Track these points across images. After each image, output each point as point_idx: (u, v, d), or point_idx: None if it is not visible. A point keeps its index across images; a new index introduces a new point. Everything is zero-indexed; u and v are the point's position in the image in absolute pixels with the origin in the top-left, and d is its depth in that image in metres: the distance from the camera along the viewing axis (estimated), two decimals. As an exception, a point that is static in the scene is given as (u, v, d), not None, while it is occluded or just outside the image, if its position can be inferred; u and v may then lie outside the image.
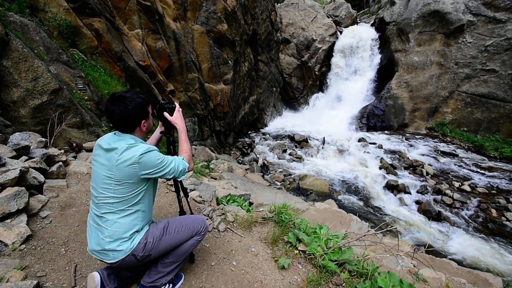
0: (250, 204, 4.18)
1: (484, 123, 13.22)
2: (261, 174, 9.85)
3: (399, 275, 4.44)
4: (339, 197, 8.98)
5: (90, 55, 7.39)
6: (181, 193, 2.43)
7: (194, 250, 2.30)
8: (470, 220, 8.20)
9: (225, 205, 3.13)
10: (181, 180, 2.33)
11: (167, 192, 3.16)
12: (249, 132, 14.14)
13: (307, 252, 2.25)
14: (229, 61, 11.70)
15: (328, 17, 18.08)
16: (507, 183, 9.85)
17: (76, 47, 7.07)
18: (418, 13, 14.14)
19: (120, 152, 1.58)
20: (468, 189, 9.40)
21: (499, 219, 8.10)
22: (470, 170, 10.83)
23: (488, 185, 9.74)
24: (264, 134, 13.91)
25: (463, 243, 7.28)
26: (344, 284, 2.01)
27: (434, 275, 4.70)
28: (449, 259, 6.74)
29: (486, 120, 13.15)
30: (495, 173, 10.52)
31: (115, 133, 1.73)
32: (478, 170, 10.84)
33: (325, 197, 8.71)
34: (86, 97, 5.93)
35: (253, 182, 7.56)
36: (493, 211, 8.41)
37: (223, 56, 11.48)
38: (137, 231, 1.68)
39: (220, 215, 2.76)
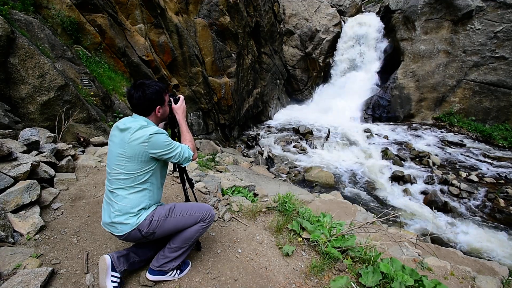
0: (255, 195, 4.24)
1: (492, 112, 12.98)
2: (266, 166, 9.91)
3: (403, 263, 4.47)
4: (344, 189, 9.00)
5: (94, 51, 7.45)
6: (187, 184, 2.49)
7: (200, 239, 2.37)
8: (477, 210, 8.16)
9: (230, 196, 3.19)
10: (186, 171, 2.39)
11: (173, 184, 3.23)
12: (253, 125, 14.16)
13: (310, 239, 2.30)
14: (232, 54, 11.65)
15: (332, 7, 17.76)
16: (515, 172, 9.73)
17: (80, 43, 7.13)
18: (424, 0, 13.80)
19: (133, 131, 1.74)
20: (476, 179, 9.33)
21: (507, 209, 8.04)
22: (477, 160, 10.71)
23: (496, 175, 9.64)
24: (268, 126, 13.92)
25: (470, 233, 7.27)
26: (347, 270, 2.05)
27: (439, 263, 4.73)
28: (456, 248, 6.76)
29: (495, 109, 12.90)
30: (503, 163, 10.39)
31: (132, 116, 1.88)
32: (486, 160, 10.71)
33: (330, 189, 8.74)
34: (92, 93, 6.01)
35: (258, 174, 7.62)
36: (501, 201, 8.34)
37: (226, 49, 11.44)
38: (144, 208, 1.81)
39: (225, 205, 2.82)
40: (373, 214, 7.31)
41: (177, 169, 2.35)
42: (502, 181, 9.26)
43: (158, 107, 1.86)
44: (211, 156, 8.51)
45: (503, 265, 5.84)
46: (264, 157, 10.61)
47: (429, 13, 13.86)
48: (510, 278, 4.59)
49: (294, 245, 2.34)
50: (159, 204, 1.96)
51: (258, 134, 12.74)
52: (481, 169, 9.99)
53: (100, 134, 5.19)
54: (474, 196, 8.66)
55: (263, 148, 11.31)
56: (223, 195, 3.19)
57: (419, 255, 5.04)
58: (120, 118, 6.92)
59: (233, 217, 2.71)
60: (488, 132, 12.39)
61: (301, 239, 2.37)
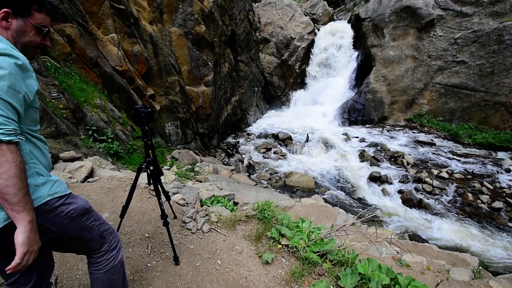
0: (235, 203, 4.20)
1: (457, 112, 13.85)
2: (247, 174, 9.89)
3: (383, 262, 4.59)
4: (325, 192, 9.16)
5: (63, 62, 7.15)
6: (163, 197, 2.43)
7: (178, 252, 2.30)
8: (449, 205, 8.59)
9: (209, 206, 3.15)
10: (161, 183, 2.33)
11: (149, 197, 3.13)
12: (233, 133, 14.14)
13: (290, 245, 2.31)
14: (209, 63, 11.65)
15: (306, 15, 18.34)
16: (480, 168, 10.38)
17: (48, 54, 6.83)
18: (391, 9, 14.61)
19: None
20: (446, 176, 9.84)
21: (475, 202, 8.54)
22: (447, 157, 11.33)
23: (464, 171, 10.23)
24: (248, 134, 13.96)
25: (444, 228, 7.63)
26: (326, 273, 2.08)
27: (416, 259, 4.91)
28: (431, 243, 7.05)
29: (459, 109, 13.78)
30: (470, 159, 11.06)
31: None
32: (454, 157, 11.36)
33: (311, 193, 8.86)
34: (61, 106, 5.75)
35: (239, 182, 7.58)
36: (469, 195, 8.85)
37: (202, 57, 11.42)
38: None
39: (204, 216, 2.77)
40: (353, 215, 7.50)
41: (151, 182, 2.27)
42: (470, 176, 9.84)
43: (2, 13, 1.16)
44: (190, 166, 8.37)
45: (474, 256, 6.17)
46: (244, 165, 10.59)
47: (396, 21, 14.68)
48: (480, 267, 4.86)
49: (274, 253, 2.34)
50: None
51: (238, 142, 12.73)
52: (450, 166, 10.56)
53: (70, 148, 4.95)
54: (445, 192, 9.12)
55: (243, 156, 11.30)
56: (201, 205, 3.14)
57: (397, 252, 5.21)
58: (93, 130, 6.66)
59: (212, 228, 2.66)
60: (454, 131, 13.18)
61: (280, 246, 2.37)
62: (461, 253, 6.01)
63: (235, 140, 13.04)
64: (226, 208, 3.16)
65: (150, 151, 2.10)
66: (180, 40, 10.49)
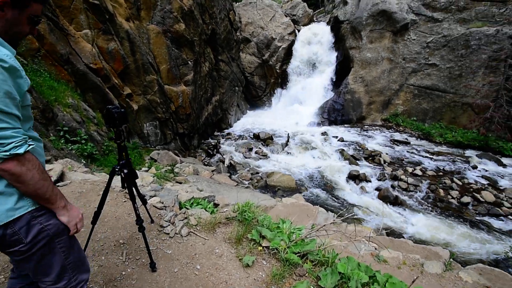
0: (216, 205, 4.13)
1: (430, 112, 14.54)
2: (228, 174, 9.80)
3: (362, 259, 4.71)
4: (306, 191, 9.27)
5: (30, 58, 6.72)
6: (139, 201, 2.32)
7: (155, 258, 2.21)
8: (423, 201, 8.99)
9: (188, 209, 3.06)
10: (137, 187, 2.22)
11: (125, 201, 3.00)
12: (214, 133, 13.98)
13: (270, 247, 2.29)
14: (189, 62, 11.43)
15: (286, 16, 18.50)
16: (450, 165, 10.96)
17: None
18: (368, 13, 15.07)
19: None
20: (420, 173, 10.30)
21: (446, 198, 8.99)
22: (420, 155, 11.87)
23: (436, 168, 10.76)
24: (229, 134, 13.86)
25: (418, 222, 7.97)
26: (307, 274, 2.08)
27: (393, 255, 5.08)
28: (407, 238, 7.35)
29: (432, 110, 14.48)
30: (441, 157, 11.65)
31: None
32: (427, 155, 11.92)
33: (292, 192, 8.94)
34: (28, 105, 5.38)
35: (220, 183, 7.50)
36: (441, 191, 9.32)
37: (182, 56, 11.18)
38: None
39: (182, 220, 2.69)
40: (333, 213, 7.65)
41: (126, 186, 2.16)
42: (441, 173, 10.35)
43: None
44: (170, 167, 8.16)
45: (446, 248, 6.50)
46: (225, 165, 10.50)
47: (373, 24, 15.16)
48: (451, 260, 5.11)
49: (255, 255, 2.31)
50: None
51: (219, 142, 12.60)
52: (424, 164, 11.06)
53: (39, 150, 4.64)
54: (419, 188, 9.54)
55: (224, 156, 11.20)
56: (180, 208, 3.04)
57: (375, 249, 5.37)
58: (65, 131, 6.31)
59: (191, 232, 2.59)
60: (427, 130, 13.83)
61: (261, 248, 2.34)
62: (434, 246, 6.31)
63: (216, 140, 12.90)
64: (206, 210, 3.09)
65: (123, 153, 2.00)
66: (158, 38, 10.20)
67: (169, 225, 2.58)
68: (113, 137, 1.99)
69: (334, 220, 6.77)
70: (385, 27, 15.00)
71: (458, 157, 11.61)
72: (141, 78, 9.93)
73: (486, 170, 10.66)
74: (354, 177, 9.92)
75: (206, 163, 11.09)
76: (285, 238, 2.31)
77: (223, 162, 10.72)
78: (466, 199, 8.79)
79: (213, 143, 12.56)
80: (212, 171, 9.67)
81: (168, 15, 10.22)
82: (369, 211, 8.39)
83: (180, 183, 7.27)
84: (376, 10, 14.82)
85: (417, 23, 14.43)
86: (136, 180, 2.27)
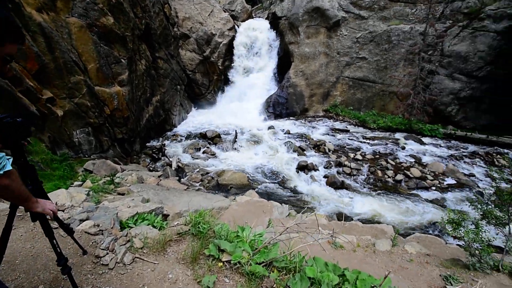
0: (165, 216, 3.72)
1: (363, 101, 15.92)
2: (177, 178, 9.22)
3: (321, 249, 4.80)
4: (259, 186, 9.25)
5: None
6: (62, 232, 1.84)
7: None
8: (365, 183, 9.77)
9: (132, 227, 2.62)
10: (57, 216, 1.74)
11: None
12: (158, 136, 13.01)
13: (232, 261, 2.05)
14: (122, 60, 10.32)
15: (225, 11, 18.14)
16: (384, 148, 12.17)
17: None
18: (303, 9, 15.67)
19: None
20: (360, 157, 11.18)
21: (383, 178, 9.94)
22: (359, 141, 12.90)
23: (373, 151, 11.81)
24: (174, 135, 13.07)
25: (364, 203, 8.62)
26: (275, 285, 1.91)
27: (347, 239, 5.31)
28: (356, 219, 7.87)
29: (365, 99, 15.87)
30: (376, 141, 12.86)
31: None
32: (365, 140, 13.02)
33: (246, 189, 8.83)
34: None
35: (168, 189, 6.94)
36: (379, 172, 10.26)
37: (113, 54, 10.03)
38: None
39: (124, 244, 2.26)
40: (288, 205, 7.78)
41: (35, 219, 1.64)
42: (378, 156, 11.40)
43: None
44: (109, 178, 7.26)
45: (389, 224, 7.15)
46: (173, 168, 9.85)
47: (309, 20, 15.84)
48: (396, 234, 5.60)
49: (215, 273, 2.05)
50: None
51: (164, 145, 11.78)
52: (362, 149, 12.04)
53: None
54: (361, 172, 10.35)
55: (171, 159, 10.50)
56: (122, 229, 2.59)
57: (331, 236, 5.57)
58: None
59: (137, 257, 2.18)
60: (363, 118, 15.12)
61: (221, 263, 2.09)
62: (380, 224, 6.88)
63: (161, 143, 12.03)
64: (153, 226, 2.69)
65: (29, 176, 1.51)
66: (82, 33, 8.93)
67: (107, 253, 2.13)
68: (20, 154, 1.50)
69: (289, 213, 6.82)
70: (320, 23, 15.81)
71: (390, 140, 12.95)
72: (65, 79, 8.60)
73: (412, 150, 12.12)
74: (303, 168, 10.26)
75: (151, 168, 10.25)
76: (247, 247, 2.10)
77: (170, 166, 10.04)
78: (399, 176, 9.84)
79: (157, 146, 11.69)
80: (159, 176, 8.96)
81: (92, 7, 9.01)
82: (320, 199, 8.76)
83: (123, 194, 6.51)
84: (311, 7, 15.51)
85: (347, 20, 15.56)
86: (63, 201, 1.79)
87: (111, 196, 5.80)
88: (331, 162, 10.72)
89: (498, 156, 11.51)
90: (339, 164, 10.62)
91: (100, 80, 9.64)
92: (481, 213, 4.55)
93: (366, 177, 10.10)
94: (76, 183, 7.36)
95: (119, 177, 7.71)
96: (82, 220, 2.54)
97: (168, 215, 3.80)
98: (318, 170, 10.33)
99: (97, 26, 9.29)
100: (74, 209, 3.15)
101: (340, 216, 7.90)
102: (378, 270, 4.29)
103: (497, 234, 4.68)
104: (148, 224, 2.77)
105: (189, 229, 2.42)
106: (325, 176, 9.89)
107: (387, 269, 4.32)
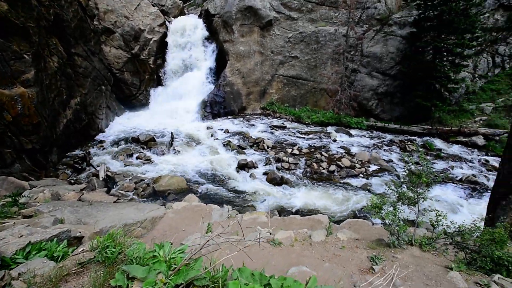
0: (79, 240, 3.16)
1: (298, 98, 16.73)
2: (105, 189, 8.22)
3: (260, 249, 4.74)
4: (199, 189, 8.89)
5: None
6: None
7: None
8: (302, 176, 10.23)
9: (19, 264, 2.08)
10: None
11: None
12: (80, 143, 11.40)
13: (144, 288, 1.77)
14: (25, 55, 8.70)
15: (154, 6, 16.92)
16: (318, 142, 12.98)
17: None
18: (236, 7, 15.62)
19: None
20: (297, 152, 11.68)
21: (318, 169, 10.56)
22: (296, 137, 13.50)
23: (308, 145, 12.49)
24: (101, 141, 11.66)
25: (302, 196, 9.00)
26: (195, 307, 1.70)
27: (285, 235, 5.40)
28: (296, 212, 8.17)
29: (299, 96, 16.70)
30: (311, 136, 13.64)
31: None
32: (301, 135, 13.69)
33: (186, 193, 8.38)
34: None
35: (92, 204, 6.09)
36: (315, 164, 10.88)
37: (12, 48, 8.38)
38: None
39: (2, 289, 1.76)
40: (229, 206, 7.61)
41: None
42: (313, 149, 12.09)
43: None
44: (11, 199, 6.00)
45: (325, 214, 7.60)
46: (101, 178, 8.77)
47: (242, 19, 15.87)
48: (330, 223, 5.93)
49: (123, 307, 1.74)
50: None
51: (89, 153, 10.41)
52: (299, 144, 12.61)
53: None
54: (298, 166, 10.82)
55: (98, 168, 9.33)
56: (2, 268, 2.04)
57: (270, 233, 5.60)
58: None
59: (19, 303, 1.72)
60: (298, 114, 15.88)
61: (131, 293, 1.79)
62: (316, 215, 7.23)
63: (85, 151, 10.59)
64: (52, 258, 2.20)
65: None
66: (-38, 21, 7.20)
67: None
68: None
69: (229, 215, 6.66)
70: (253, 22, 16.00)
71: (323, 134, 13.88)
72: None
73: (342, 141, 13.21)
74: (243, 166, 10.24)
75: (73, 181, 8.94)
76: (164, 269, 1.84)
77: (97, 176, 8.92)
78: (332, 167, 10.58)
79: (80, 155, 10.25)
80: (82, 190, 7.85)
81: (-27, -10, 7.32)
82: (260, 196, 8.84)
83: (30, 216, 5.45)
84: (243, 6, 15.56)
85: (279, 20, 16.09)
86: None
87: (12, 222, 4.76)
88: (270, 159, 10.94)
89: (409, 142, 13.36)
90: (278, 160, 10.90)
91: (-6, 81, 7.95)
92: (397, 195, 5.11)
93: (303, 171, 10.58)
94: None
95: (26, 196, 6.46)
96: None
97: (83, 237, 3.24)
98: (258, 167, 10.43)
99: (-15, 14, 7.62)
100: None
101: (281, 212, 8.09)
102: (314, 261, 4.44)
103: (410, 213, 5.34)
104: (46, 255, 2.26)
105: (95, 256, 2.03)
106: (265, 173, 10.03)
107: (322, 259, 4.51)
